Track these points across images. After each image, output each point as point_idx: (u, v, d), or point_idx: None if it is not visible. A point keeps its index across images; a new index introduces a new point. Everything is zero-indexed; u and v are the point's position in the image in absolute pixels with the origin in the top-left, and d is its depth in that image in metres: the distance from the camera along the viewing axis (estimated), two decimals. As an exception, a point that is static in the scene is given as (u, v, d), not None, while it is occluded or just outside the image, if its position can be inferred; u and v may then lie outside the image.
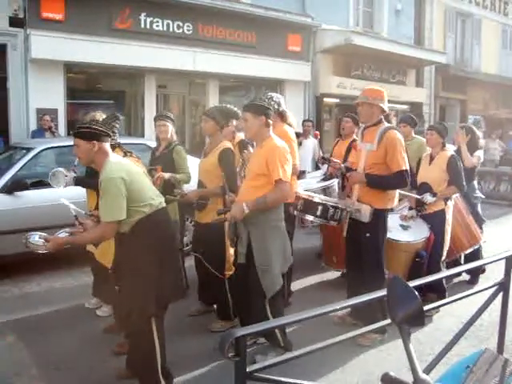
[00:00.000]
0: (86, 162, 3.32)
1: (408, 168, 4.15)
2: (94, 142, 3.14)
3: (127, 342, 3.56)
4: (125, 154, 4.08)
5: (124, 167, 3.18)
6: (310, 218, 4.36)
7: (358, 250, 4.28)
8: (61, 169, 4.57)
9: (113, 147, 3.93)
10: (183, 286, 3.60)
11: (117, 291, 3.30)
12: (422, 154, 6.28)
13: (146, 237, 3.14)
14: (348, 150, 6.00)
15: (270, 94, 4.84)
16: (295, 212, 4.44)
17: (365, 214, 4.13)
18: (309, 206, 4.31)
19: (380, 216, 4.17)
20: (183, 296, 3.58)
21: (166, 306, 3.35)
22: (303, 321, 2.06)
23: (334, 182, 5.58)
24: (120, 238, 3.26)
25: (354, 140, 6.03)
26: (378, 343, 4.14)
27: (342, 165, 4.87)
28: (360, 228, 4.19)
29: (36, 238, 3.18)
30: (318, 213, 4.25)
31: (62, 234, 3.37)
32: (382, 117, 4.26)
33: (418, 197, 4.98)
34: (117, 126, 4.38)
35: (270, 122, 3.83)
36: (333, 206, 4.25)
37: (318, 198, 4.46)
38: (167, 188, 4.70)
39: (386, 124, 4.25)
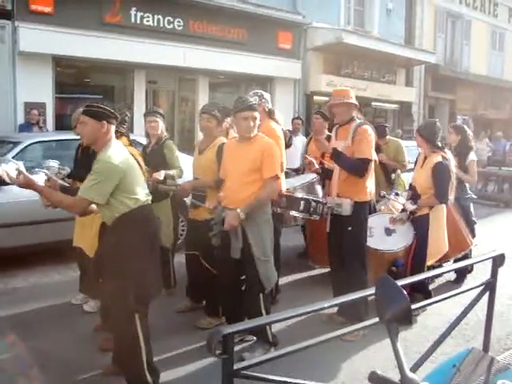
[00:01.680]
0: (89, 142, 3.27)
1: (372, 159, 4.24)
2: (104, 122, 3.13)
3: (112, 338, 3.54)
4: (130, 144, 4.12)
5: (124, 157, 3.17)
6: (293, 213, 4.42)
7: (340, 246, 4.36)
8: (55, 165, 4.50)
9: (120, 134, 4.03)
10: (161, 284, 3.56)
11: (99, 285, 3.29)
12: (401, 154, 6.49)
13: (129, 232, 3.13)
14: None
15: (259, 91, 4.84)
16: (277, 209, 4.48)
17: (345, 207, 4.24)
18: (292, 202, 4.37)
19: (360, 209, 4.29)
20: (160, 294, 3.53)
21: (148, 303, 3.32)
22: (291, 318, 2.06)
23: (315, 178, 5.60)
24: (102, 231, 3.24)
25: (329, 136, 6.11)
26: (365, 341, 4.15)
27: (316, 165, 4.88)
28: (342, 223, 4.29)
29: (11, 167, 3.13)
30: (301, 208, 4.32)
31: (41, 174, 3.32)
32: (354, 114, 4.45)
33: (400, 203, 4.96)
34: (128, 115, 4.43)
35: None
36: (314, 200, 4.33)
37: (299, 193, 4.53)
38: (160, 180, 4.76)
39: (358, 120, 4.42)
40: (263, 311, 3.83)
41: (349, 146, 4.27)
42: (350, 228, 4.25)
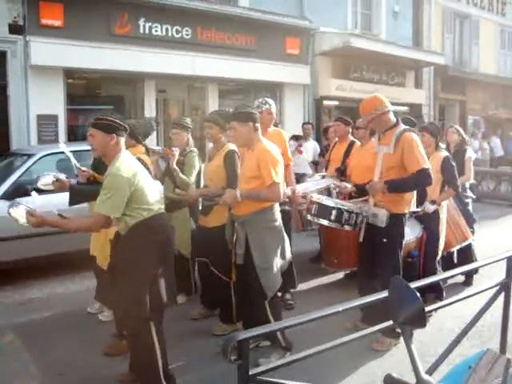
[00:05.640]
0: (99, 154, 3.31)
1: (429, 167, 4.04)
2: (113, 135, 3.16)
3: (118, 344, 3.59)
4: (146, 151, 4.44)
5: (133, 168, 3.20)
6: (324, 222, 4.34)
7: (373, 254, 4.18)
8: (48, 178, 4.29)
9: (138, 142, 4.44)
10: (175, 292, 3.57)
11: (113, 293, 3.32)
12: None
13: (142, 240, 3.16)
14: (346, 153, 6.02)
15: (263, 99, 4.94)
16: (308, 216, 4.45)
17: (382, 218, 4.04)
18: (323, 210, 4.28)
19: (397, 221, 4.07)
20: (174, 303, 3.53)
21: (162, 310, 3.34)
22: (306, 323, 2.06)
23: (330, 183, 5.59)
24: (116, 240, 3.27)
25: (352, 142, 6.06)
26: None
27: (349, 186, 4.68)
28: (377, 233, 4.10)
29: (21, 209, 3.18)
30: (332, 217, 4.22)
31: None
32: (399, 119, 4.20)
33: (419, 209, 4.93)
34: (154, 128, 4.93)
35: (258, 125, 3.86)
36: (347, 211, 4.19)
37: (332, 201, 4.41)
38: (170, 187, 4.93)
39: (403, 126, 4.14)
40: (270, 316, 3.80)
41: (390, 154, 4.03)
42: (384, 240, 4.06)
